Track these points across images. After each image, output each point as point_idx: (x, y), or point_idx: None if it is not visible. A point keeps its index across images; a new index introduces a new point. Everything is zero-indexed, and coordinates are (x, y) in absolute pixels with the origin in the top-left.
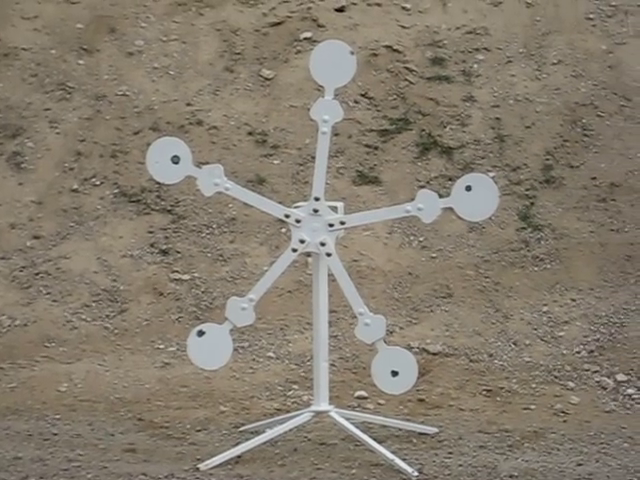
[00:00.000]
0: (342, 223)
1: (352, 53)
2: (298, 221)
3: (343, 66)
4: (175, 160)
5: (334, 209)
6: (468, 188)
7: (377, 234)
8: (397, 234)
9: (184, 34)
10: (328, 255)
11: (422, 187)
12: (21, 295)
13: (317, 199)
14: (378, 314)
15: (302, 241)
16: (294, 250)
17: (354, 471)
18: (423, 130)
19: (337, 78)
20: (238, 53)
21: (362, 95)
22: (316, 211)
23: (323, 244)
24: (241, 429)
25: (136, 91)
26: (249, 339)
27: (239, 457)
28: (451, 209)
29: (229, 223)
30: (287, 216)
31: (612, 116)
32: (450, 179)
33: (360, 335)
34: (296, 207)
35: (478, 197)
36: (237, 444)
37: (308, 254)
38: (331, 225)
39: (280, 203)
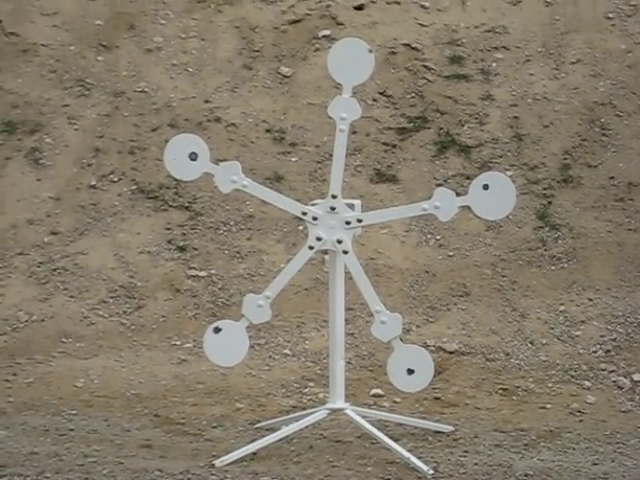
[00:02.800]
0: (359, 221)
1: (370, 51)
2: (315, 219)
3: (361, 64)
4: (193, 157)
5: (351, 207)
6: (485, 187)
7: (394, 232)
8: (414, 232)
9: (203, 31)
10: (345, 253)
11: (440, 185)
12: (38, 291)
13: (334, 197)
14: (395, 312)
15: (319, 239)
16: (311, 247)
17: (369, 469)
18: (441, 128)
19: (355, 76)
20: (257, 50)
21: (380, 93)
22: (333, 209)
23: (340, 241)
24: (257, 426)
25: (154, 88)
26: (265, 336)
27: (254, 454)
28: (468, 208)
29: (246, 220)
30: (304, 213)
31: (631, 116)
32: (468, 178)
33: (376, 333)
34: (313, 205)
35: (495, 196)
36: (253, 441)
37: (325, 252)
38: (348, 223)
39: (298, 200)
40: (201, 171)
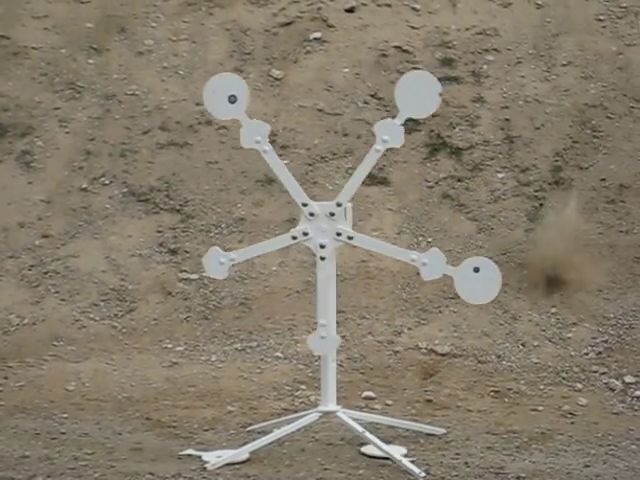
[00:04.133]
0: (350, 238)
1: (440, 95)
2: (312, 214)
3: (427, 101)
4: (232, 99)
5: (344, 211)
6: (476, 269)
7: (386, 235)
8: (406, 235)
9: (194, 34)
10: (322, 259)
11: (431, 187)
12: (30, 294)
13: (339, 205)
14: (337, 334)
15: (305, 234)
16: (294, 237)
17: (361, 472)
18: (432, 131)
19: (417, 109)
20: (248, 53)
21: (371, 96)
22: (332, 214)
23: (322, 246)
24: (248, 429)
25: (146, 90)
26: (257, 339)
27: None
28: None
29: (238, 223)
30: (305, 205)
31: (622, 118)
32: (459, 180)
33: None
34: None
35: (483, 280)
36: (244, 444)
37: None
38: (339, 234)
39: (289, 203)
40: (233, 115)
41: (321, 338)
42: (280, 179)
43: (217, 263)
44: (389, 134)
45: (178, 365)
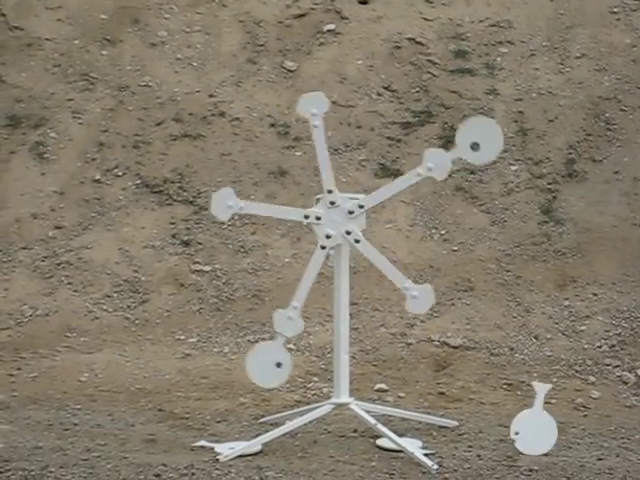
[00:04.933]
0: (361, 207)
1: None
2: (319, 218)
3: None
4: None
5: (362, 213)
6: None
7: (399, 227)
8: (419, 227)
9: (207, 25)
10: (357, 242)
11: (444, 180)
12: (43, 285)
13: (330, 191)
14: (424, 284)
15: (328, 236)
16: (323, 247)
17: (374, 464)
18: (446, 123)
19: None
20: (261, 45)
21: (385, 88)
22: (333, 203)
23: (349, 232)
24: (261, 421)
25: (159, 82)
26: (270, 331)
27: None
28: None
29: (250, 215)
30: (307, 217)
31: (635, 110)
32: (472, 172)
33: (411, 308)
34: (318, 199)
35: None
36: (257, 436)
37: (332, 247)
38: (351, 212)
39: (302, 195)
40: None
41: (414, 298)
42: (318, 156)
43: (225, 205)
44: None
45: (191, 357)
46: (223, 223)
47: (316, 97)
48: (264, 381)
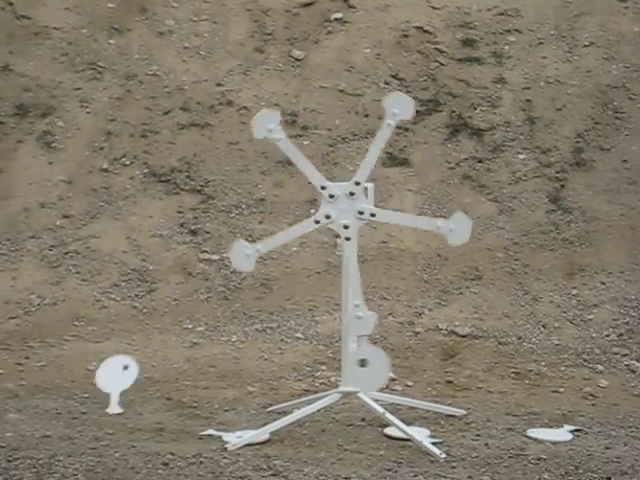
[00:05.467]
0: (372, 215)
1: None
2: (332, 196)
3: None
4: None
5: (365, 189)
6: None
7: None
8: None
9: (215, 14)
10: (347, 239)
11: (452, 168)
12: (51, 274)
13: (357, 183)
14: (372, 311)
15: (328, 216)
16: (317, 222)
17: (382, 452)
18: (453, 112)
19: None
20: (269, 33)
21: (392, 76)
22: (352, 194)
23: (346, 227)
24: (269, 409)
25: (166, 71)
26: (278, 320)
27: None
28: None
29: (258, 204)
30: (323, 188)
31: None
32: (480, 161)
33: (349, 326)
34: (314, 211)
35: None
36: (265, 424)
37: (338, 235)
38: (361, 213)
39: (309, 183)
40: None
41: (357, 318)
42: (297, 164)
43: (243, 256)
44: (399, 107)
45: (199, 345)
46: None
47: (404, 100)
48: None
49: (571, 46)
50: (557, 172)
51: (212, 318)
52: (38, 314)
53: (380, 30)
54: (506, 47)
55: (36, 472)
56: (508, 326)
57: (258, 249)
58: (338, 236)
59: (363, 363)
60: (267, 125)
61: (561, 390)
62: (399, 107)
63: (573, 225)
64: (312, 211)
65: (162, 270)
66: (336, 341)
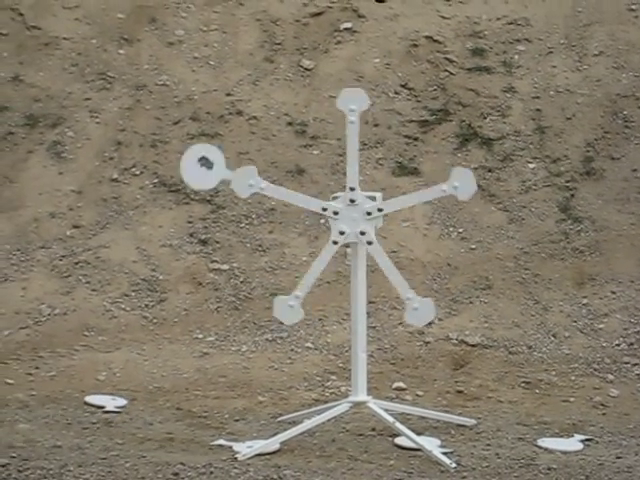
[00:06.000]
0: (380, 210)
1: None
2: (336, 213)
3: None
4: (208, 165)
5: (373, 200)
6: None
7: (416, 225)
8: (436, 225)
9: (224, 24)
10: (369, 244)
11: None
12: (61, 284)
13: (352, 189)
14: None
15: (342, 232)
16: (335, 242)
17: (392, 462)
18: (463, 121)
19: None
20: (278, 43)
21: (402, 86)
22: (353, 201)
23: (363, 233)
24: (279, 419)
25: (176, 81)
26: (287, 330)
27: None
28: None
29: (268, 213)
30: (324, 209)
31: None
32: (490, 170)
33: (410, 320)
34: (335, 197)
35: None
36: (275, 434)
37: (347, 245)
38: (369, 213)
39: (319, 194)
40: (217, 179)
41: (414, 310)
42: (290, 202)
43: (288, 309)
44: (461, 183)
45: (209, 355)
46: (244, 208)
47: (356, 93)
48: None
49: (581, 55)
50: (567, 181)
51: (222, 328)
52: (48, 324)
53: (389, 40)
54: (516, 56)
55: None
56: (518, 335)
57: (297, 296)
58: (347, 246)
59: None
60: (247, 182)
61: (571, 400)
62: (461, 182)
63: (583, 234)
64: (322, 221)
65: (172, 280)
66: (346, 351)
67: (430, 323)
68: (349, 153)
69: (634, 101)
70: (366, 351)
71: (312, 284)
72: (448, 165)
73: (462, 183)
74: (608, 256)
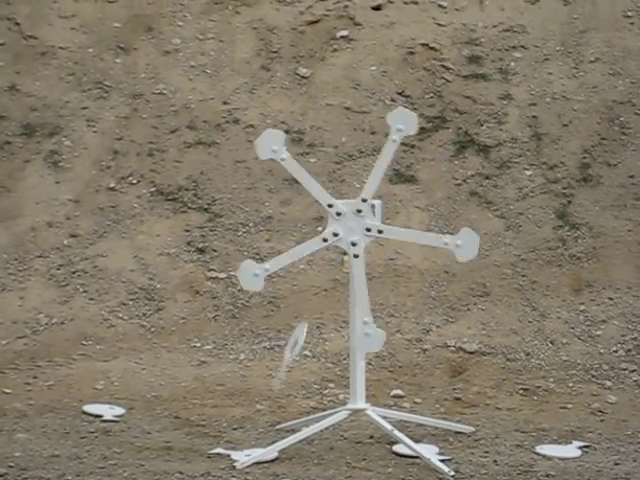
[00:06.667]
0: (380, 232)
1: None
2: (339, 214)
3: None
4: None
5: (372, 206)
6: None
7: None
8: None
9: (221, 32)
10: (355, 256)
11: (459, 185)
12: (58, 293)
13: (364, 200)
14: (380, 329)
15: (335, 234)
16: (324, 240)
17: (390, 470)
18: (460, 128)
19: None
20: (275, 51)
21: (399, 93)
22: (359, 211)
23: (354, 244)
24: (277, 427)
25: (173, 89)
26: (286, 338)
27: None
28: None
29: (265, 222)
30: (330, 206)
31: None
32: (487, 177)
33: (357, 343)
34: (322, 229)
35: None
36: (273, 442)
37: (345, 252)
38: (368, 230)
39: (315, 202)
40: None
41: (366, 335)
42: (302, 183)
43: (251, 276)
44: (403, 123)
45: (207, 364)
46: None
47: (409, 116)
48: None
49: (577, 62)
50: (564, 188)
51: (220, 336)
52: (46, 333)
53: (386, 47)
54: (512, 63)
55: None
56: (516, 342)
57: (267, 268)
58: (345, 253)
59: None
60: (271, 145)
61: (569, 406)
62: (403, 122)
63: (580, 241)
64: (319, 229)
65: (169, 289)
66: (344, 358)
67: (428, 330)
68: (377, 167)
69: (630, 107)
70: (364, 359)
71: (286, 265)
72: (445, 172)
73: (466, 244)
74: (605, 262)
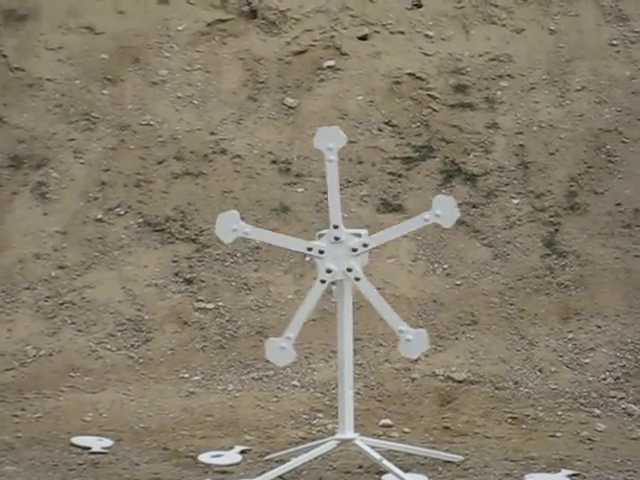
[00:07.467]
0: (365, 245)
1: None
2: (321, 252)
3: None
4: None
5: (358, 237)
6: None
7: (401, 262)
8: (421, 262)
9: (208, 63)
10: (357, 280)
11: None
12: (46, 325)
13: (336, 227)
14: (419, 329)
15: (329, 271)
16: (323, 281)
17: None
18: (447, 157)
19: None
20: (261, 82)
21: (385, 123)
22: (337, 239)
23: (350, 270)
24: (266, 458)
25: (160, 120)
26: (274, 368)
27: None
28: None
29: (253, 252)
30: (309, 249)
31: (636, 142)
32: (474, 206)
33: (404, 352)
34: (321, 235)
35: None
36: (262, 473)
37: (333, 282)
38: (354, 250)
39: (304, 231)
40: None
41: (407, 342)
42: (275, 244)
43: (279, 350)
44: (443, 210)
45: (195, 395)
46: (227, 249)
47: (332, 131)
48: None
49: (563, 90)
50: (551, 216)
51: (208, 367)
52: (34, 365)
53: (372, 77)
54: (498, 92)
55: None
56: (504, 371)
57: (289, 337)
58: (333, 283)
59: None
60: (230, 227)
61: (558, 435)
62: (443, 209)
63: (568, 269)
64: (307, 258)
65: (157, 319)
66: (332, 388)
67: (417, 359)
68: (330, 191)
69: (617, 135)
70: (353, 388)
71: (302, 324)
72: (432, 201)
73: (444, 211)
74: (593, 290)
